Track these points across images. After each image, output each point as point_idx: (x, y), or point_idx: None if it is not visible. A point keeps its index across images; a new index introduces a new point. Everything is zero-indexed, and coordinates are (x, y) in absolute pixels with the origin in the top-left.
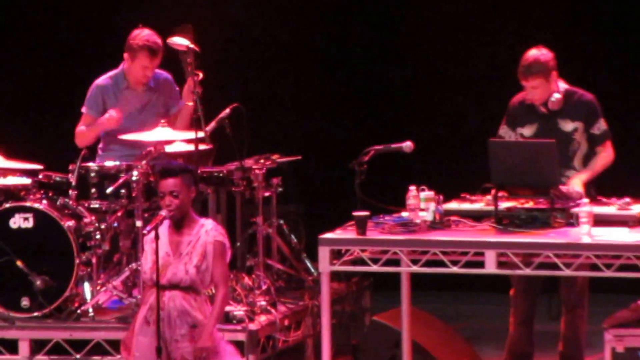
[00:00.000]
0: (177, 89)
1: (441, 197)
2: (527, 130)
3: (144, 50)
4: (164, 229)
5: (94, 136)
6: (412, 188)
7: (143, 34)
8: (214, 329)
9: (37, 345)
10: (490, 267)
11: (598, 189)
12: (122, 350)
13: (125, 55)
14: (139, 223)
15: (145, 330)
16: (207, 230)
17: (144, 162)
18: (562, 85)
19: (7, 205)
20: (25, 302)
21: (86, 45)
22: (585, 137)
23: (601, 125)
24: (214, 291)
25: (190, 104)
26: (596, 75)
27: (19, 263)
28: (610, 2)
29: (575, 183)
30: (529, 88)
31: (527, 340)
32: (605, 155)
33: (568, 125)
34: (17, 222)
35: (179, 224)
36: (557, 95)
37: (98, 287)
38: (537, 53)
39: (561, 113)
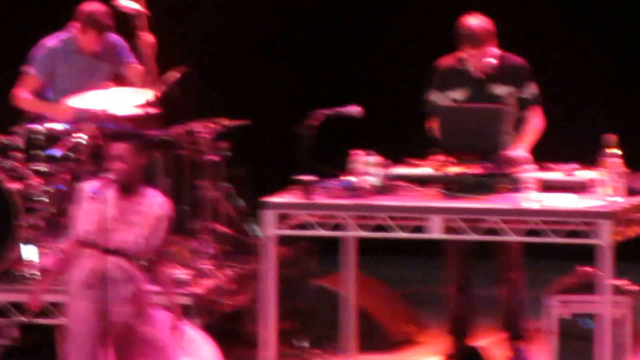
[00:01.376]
0: (129, 52)
1: (388, 162)
2: (459, 94)
3: (92, 25)
4: (109, 193)
5: (38, 111)
6: (359, 153)
7: (93, 7)
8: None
9: None
10: (437, 232)
11: (544, 154)
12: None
13: (77, 24)
14: (87, 186)
15: (81, 293)
16: (160, 204)
17: (92, 124)
18: (495, 50)
19: None
20: None
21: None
22: (516, 101)
23: (532, 90)
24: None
25: (139, 67)
26: (535, 41)
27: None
28: None
29: (521, 148)
30: (473, 56)
31: (467, 306)
32: (536, 122)
33: (500, 90)
34: None
35: (127, 190)
36: (493, 61)
37: (43, 249)
38: (479, 21)
39: (494, 78)
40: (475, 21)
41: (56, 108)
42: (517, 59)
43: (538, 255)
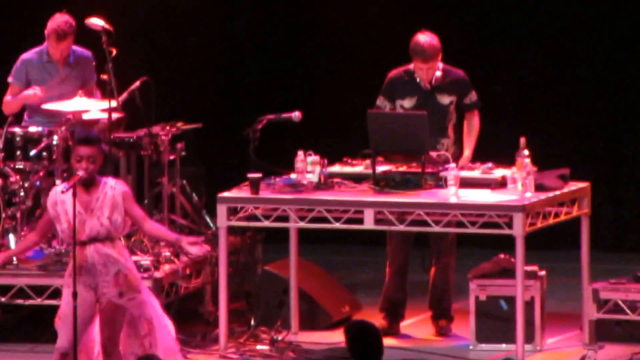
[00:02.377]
0: (94, 64)
1: (325, 161)
2: (407, 102)
3: (52, 34)
4: (75, 191)
5: (18, 105)
6: (300, 153)
7: (55, 19)
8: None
9: None
10: (369, 223)
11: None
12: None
13: (46, 35)
14: (58, 182)
15: (70, 282)
16: (112, 186)
17: (63, 128)
18: (440, 64)
19: None
20: None
21: (14, 22)
22: (456, 107)
23: (472, 97)
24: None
25: (105, 76)
26: (466, 53)
27: None
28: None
29: (467, 150)
30: (423, 69)
31: (401, 289)
32: (476, 123)
33: (445, 99)
34: None
35: (88, 185)
36: (438, 73)
37: (21, 239)
38: (429, 38)
39: (439, 88)
40: (425, 38)
41: (26, 93)
42: (458, 72)
43: (463, 245)
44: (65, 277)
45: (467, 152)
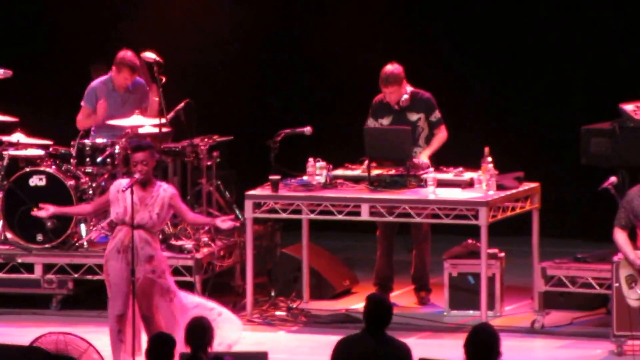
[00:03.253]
0: (148, 89)
1: (330, 166)
2: (385, 121)
3: (126, 68)
4: (133, 188)
5: (90, 124)
6: (310, 159)
7: (127, 56)
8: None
9: (47, 268)
10: (365, 215)
11: (440, 160)
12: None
13: (113, 67)
14: (119, 183)
15: (115, 256)
16: (164, 189)
17: (123, 139)
18: (408, 88)
19: (28, 170)
20: (39, 237)
21: (86, 57)
22: (427, 123)
23: (436, 115)
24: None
25: (157, 99)
26: (435, 78)
27: (35, 209)
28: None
29: (423, 157)
30: (387, 93)
31: (389, 267)
32: (441, 136)
33: (414, 117)
34: (34, 181)
35: (144, 184)
36: (405, 96)
37: (91, 227)
38: (392, 68)
39: (408, 108)
40: (389, 67)
41: (95, 118)
42: (425, 94)
43: (439, 233)
44: (111, 251)
45: (425, 152)
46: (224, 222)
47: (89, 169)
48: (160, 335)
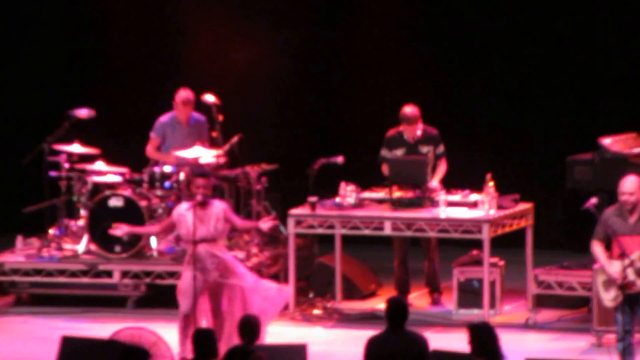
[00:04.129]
0: (208, 125)
1: (359, 189)
2: (399, 152)
3: (180, 103)
4: (194, 209)
5: (158, 158)
6: (342, 184)
7: (182, 93)
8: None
9: (123, 274)
10: (387, 230)
11: (450, 184)
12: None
13: (174, 105)
14: (183, 205)
15: (186, 267)
16: (217, 206)
17: (187, 168)
18: (420, 125)
19: (107, 193)
20: (117, 248)
21: (150, 97)
22: (434, 155)
23: (441, 148)
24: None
25: (214, 134)
26: (439, 118)
27: (112, 228)
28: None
29: (434, 182)
30: (407, 130)
31: (405, 273)
32: (444, 166)
33: (424, 149)
34: (113, 202)
35: (203, 204)
36: (419, 132)
37: (160, 240)
38: (412, 110)
39: (420, 142)
40: (409, 109)
41: (166, 157)
42: (433, 130)
43: (449, 245)
44: (184, 264)
45: (434, 181)
46: (265, 223)
47: (158, 192)
48: (202, 331)
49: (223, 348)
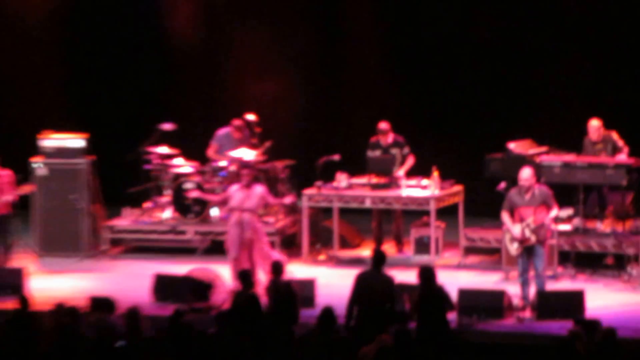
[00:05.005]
0: (249, 135)
1: (349, 176)
2: (377, 152)
3: (234, 126)
4: (242, 189)
5: (215, 159)
6: (338, 173)
7: (236, 122)
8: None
9: (194, 232)
10: (368, 204)
11: (409, 174)
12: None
13: (230, 124)
14: (233, 185)
15: (234, 226)
16: (257, 188)
17: (237, 163)
18: (391, 135)
19: (183, 179)
20: (190, 215)
21: (210, 114)
22: (401, 155)
23: (406, 150)
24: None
25: (254, 141)
26: (405, 128)
27: (188, 201)
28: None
29: (400, 172)
30: (382, 137)
31: (380, 232)
32: (409, 162)
33: (393, 151)
34: (187, 185)
35: (247, 186)
36: (390, 140)
37: (219, 209)
38: (385, 125)
39: (391, 146)
40: (383, 125)
41: (221, 157)
42: (400, 137)
43: (409, 214)
44: (231, 225)
45: (401, 170)
46: (287, 200)
47: (216, 179)
48: (244, 271)
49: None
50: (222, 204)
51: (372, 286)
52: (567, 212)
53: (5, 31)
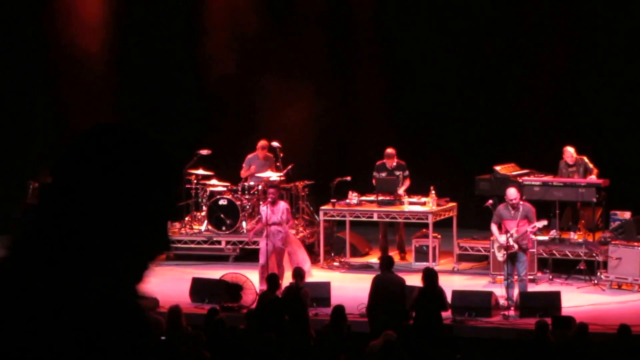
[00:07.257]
0: (274, 159)
1: (359, 194)
2: (383, 174)
3: (260, 148)
4: (269, 206)
5: (246, 175)
6: (350, 192)
7: (261, 143)
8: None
9: (227, 242)
10: (375, 218)
11: (410, 192)
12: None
13: (257, 147)
14: (261, 203)
15: (262, 238)
16: (282, 204)
17: (263, 183)
18: (396, 159)
19: (218, 197)
20: (224, 228)
21: (242, 140)
22: (402, 177)
23: (406, 172)
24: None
25: (279, 164)
26: (405, 154)
27: (222, 215)
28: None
29: (401, 191)
30: (388, 161)
31: (385, 242)
32: (407, 183)
33: (397, 173)
34: (221, 202)
35: (274, 204)
36: (394, 163)
37: (247, 223)
38: (392, 150)
39: (395, 168)
40: (389, 150)
41: (250, 173)
42: (402, 162)
43: (410, 226)
44: (262, 237)
45: (401, 190)
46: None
47: (247, 196)
48: (272, 275)
49: (282, 284)
50: (259, 221)
51: (387, 287)
52: (542, 222)
53: (63, 62)
